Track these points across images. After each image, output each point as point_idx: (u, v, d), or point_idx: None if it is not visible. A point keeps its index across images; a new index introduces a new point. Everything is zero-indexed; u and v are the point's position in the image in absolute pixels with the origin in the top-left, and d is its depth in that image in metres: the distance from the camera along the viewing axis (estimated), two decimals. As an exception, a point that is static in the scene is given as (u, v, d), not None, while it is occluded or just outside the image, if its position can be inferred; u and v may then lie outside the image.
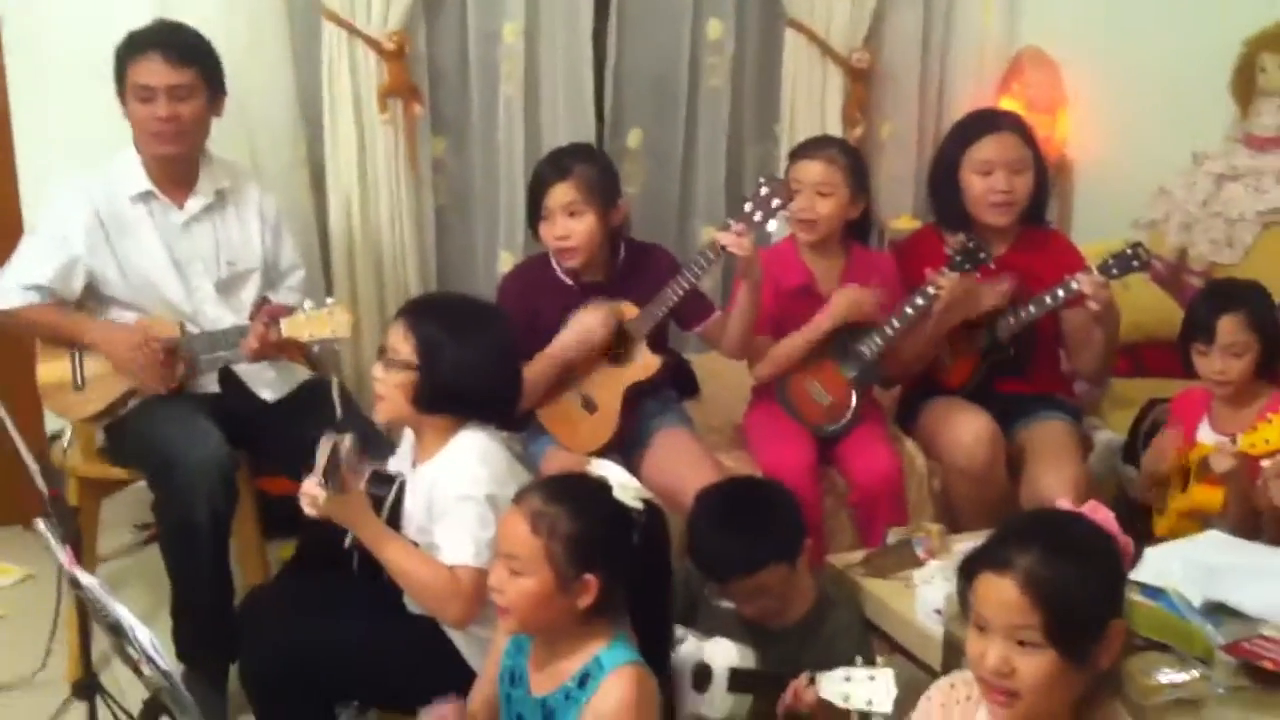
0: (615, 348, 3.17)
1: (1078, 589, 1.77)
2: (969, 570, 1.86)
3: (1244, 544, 2.71)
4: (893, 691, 2.24)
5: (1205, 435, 3.07)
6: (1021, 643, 1.78)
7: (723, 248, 3.03)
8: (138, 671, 2.13)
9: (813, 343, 3.30)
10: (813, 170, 3.28)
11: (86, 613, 2.67)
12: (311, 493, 2.43)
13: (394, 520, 2.57)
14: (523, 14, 3.96)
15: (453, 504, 2.49)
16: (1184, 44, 4.28)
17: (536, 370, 3.08)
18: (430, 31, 3.94)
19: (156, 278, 3.17)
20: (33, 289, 3.10)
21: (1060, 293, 3.22)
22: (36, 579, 3.70)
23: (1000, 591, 1.79)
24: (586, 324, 3.13)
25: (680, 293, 3.11)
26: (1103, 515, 1.94)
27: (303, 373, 3.39)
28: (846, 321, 3.28)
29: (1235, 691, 2.22)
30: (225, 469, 2.98)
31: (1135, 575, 2.40)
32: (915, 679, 2.40)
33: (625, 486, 2.19)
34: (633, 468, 2.68)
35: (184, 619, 3.06)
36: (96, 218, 3.11)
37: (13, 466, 3.75)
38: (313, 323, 3.10)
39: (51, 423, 3.49)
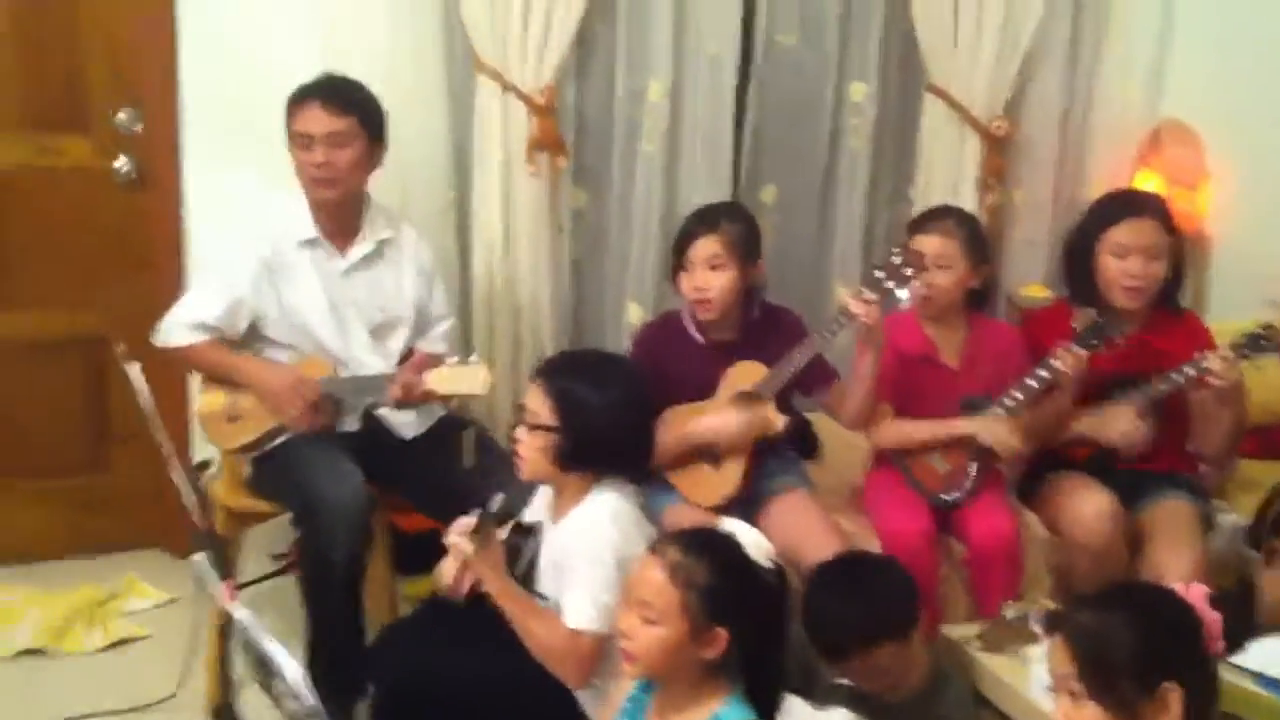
0: (742, 406, 3.18)
1: (1113, 641, 1.80)
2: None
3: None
4: None
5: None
6: (1072, 694, 1.83)
7: (850, 314, 3.05)
8: (278, 704, 2.24)
9: (940, 439, 3.29)
10: (929, 244, 3.26)
11: (226, 638, 2.80)
12: (461, 545, 2.54)
13: (530, 570, 2.65)
14: (669, 73, 4.00)
15: (582, 565, 2.55)
16: (1329, 121, 4.21)
17: (668, 444, 3.11)
18: (579, 87, 4.01)
19: (314, 321, 3.28)
20: (199, 327, 3.23)
21: (1189, 371, 3.19)
22: (179, 603, 3.78)
23: (1054, 647, 1.87)
24: (729, 422, 3.14)
25: (807, 356, 3.13)
26: (1194, 592, 1.94)
27: (440, 411, 3.44)
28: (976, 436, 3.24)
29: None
30: (364, 511, 3.07)
31: (1244, 662, 2.42)
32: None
33: (758, 545, 2.23)
34: (751, 525, 2.66)
35: (318, 654, 3.12)
36: (263, 260, 3.23)
37: (159, 493, 3.94)
38: (456, 378, 3.17)
39: (199, 452, 3.62)
